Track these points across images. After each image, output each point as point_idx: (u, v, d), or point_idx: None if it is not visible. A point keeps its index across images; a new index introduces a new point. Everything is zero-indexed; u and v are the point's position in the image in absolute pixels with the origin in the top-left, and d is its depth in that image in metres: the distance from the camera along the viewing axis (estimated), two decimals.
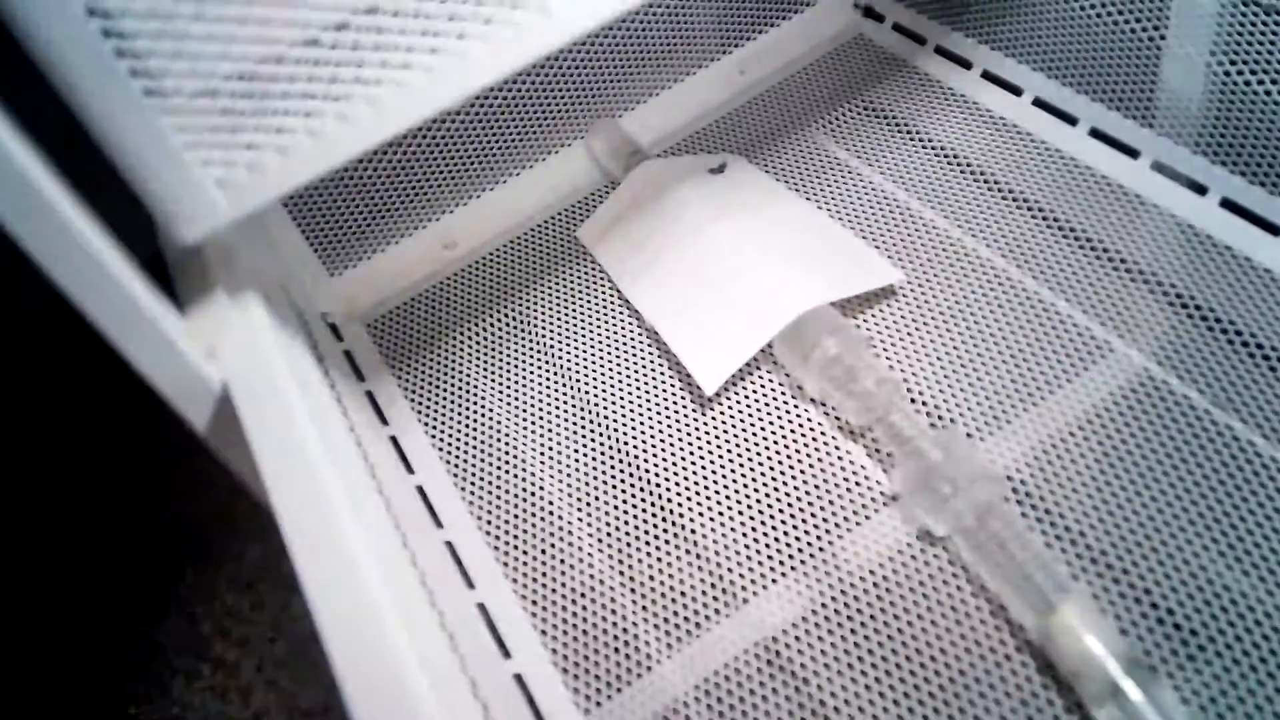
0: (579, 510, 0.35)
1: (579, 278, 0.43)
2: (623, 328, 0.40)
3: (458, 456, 0.38)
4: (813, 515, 0.33)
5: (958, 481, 0.30)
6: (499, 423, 0.39)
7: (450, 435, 0.39)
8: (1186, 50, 0.36)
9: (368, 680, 0.20)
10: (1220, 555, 0.29)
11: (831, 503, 0.33)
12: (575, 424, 0.38)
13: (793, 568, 0.32)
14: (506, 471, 0.37)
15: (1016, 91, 0.44)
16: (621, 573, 0.33)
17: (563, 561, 0.34)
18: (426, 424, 0.39)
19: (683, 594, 0.32)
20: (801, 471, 0.34)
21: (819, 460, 0.34)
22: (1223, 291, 0.35)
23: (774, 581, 0.31)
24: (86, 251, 0.24)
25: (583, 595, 0.33)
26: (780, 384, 0.37)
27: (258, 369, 0.28)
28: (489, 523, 0.35)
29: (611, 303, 0.41)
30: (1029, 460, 0.32)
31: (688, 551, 0.33)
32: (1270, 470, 0.30)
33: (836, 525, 0.32)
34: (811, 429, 0.35)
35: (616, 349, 0.40)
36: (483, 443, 0.38)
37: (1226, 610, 0.28)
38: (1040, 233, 0.39)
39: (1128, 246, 0.37)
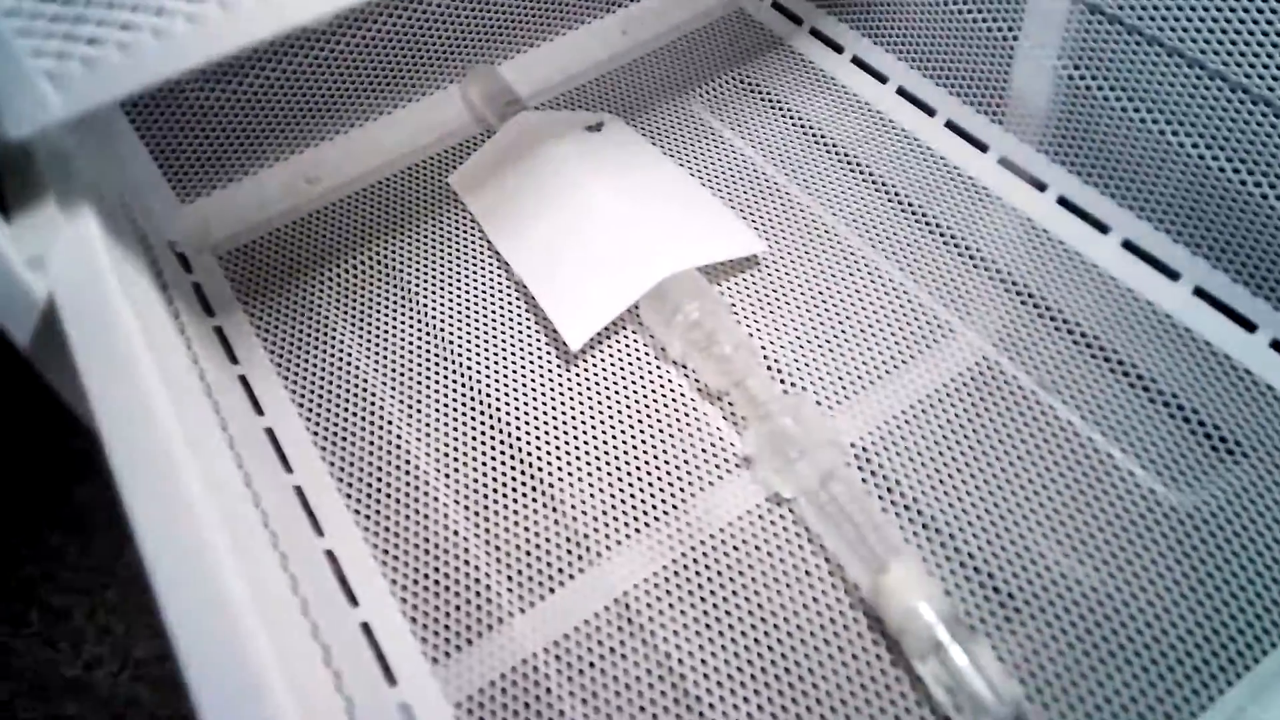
0: (437, 461, 0.35)
1: (448, 224, 0.42)
2: (491, 279, 0.40)
3: (311, 400, 0.37)
4: (669, 475, 0.34)
5: (804, 446, 0.32)
6: (357, 367, 0.37)
7: (304, 378, 0.37)
8: (1036, 52, 0.38)
9: (200, 624, 0.19)
10: (1038, 526, 0.31)
11: (687, 463, 0.34)
12: (437, 373, 0.37)
13: (647, 524, 0.32)
14: (363, 418, 0.36)
15: (882, 79, 0.45)
16: (478, 525, 0.33)
17: (418, 512, 0.33)
18: (279, 365, 0.38)
19: (539, 549, 0.32)
20: (660, 431, 0.35)
21: (677, 421, 0.35)
22: (1054, 282, 0.37)
23: (628, 538, 0.32)
24: None
25: (436, 546, 0.32)
26: (645, 345, 0.37)
27: (89, 285, 0.26)
28: (342, 470, 0.35)
29: (481, 253, 0.41)
30: (872, 430, 0.34)
31: (546, 507, 0.33)
32: (1087, 449, 0.33)
33: (691, 485, 0.33)
34: (672, 390, 0.36)
35: (483, 300, 0.39)
36: (339, 387, 0.37)
37: (1042, 577, 0.30)
38: (896, 216, 0.40)
39: (973, 235, 0.39)
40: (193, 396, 0.28)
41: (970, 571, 0.31)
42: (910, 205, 0.41)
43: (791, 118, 0.45)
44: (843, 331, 0.37)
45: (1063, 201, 0.39)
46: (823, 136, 0.44)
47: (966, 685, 0.26)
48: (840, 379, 0.36)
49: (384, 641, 0.30)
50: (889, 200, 0.41)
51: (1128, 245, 0.38)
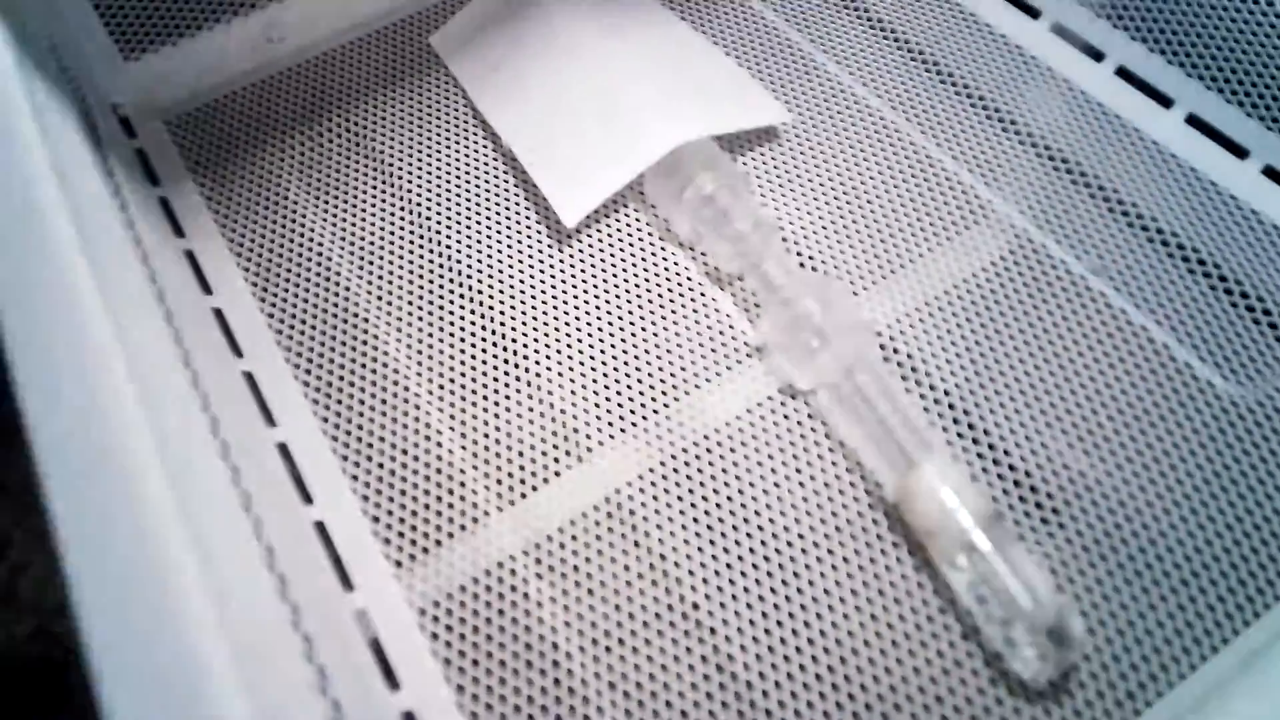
0: (409, 347, 0.31)
1: (428, 91, 0.38)
2: (476, 150, 0.36)
3: (269, 280, 0.33)
4: (670, 365, 0.30)
5: (826, 333, 0.28)
6: (321, 245, 0.34)
7: (261, 256, 0.33)
8: None
9: (94, 517, 0.16)
10: (1083, 423, 0.28)
11: (691, 352, 0.30)
12: (413, 253, 0.33)
13: (645, 418, 0.29)
14: (327, 300, 0.32)
15: None
16: (454, 418, 0.29)
17: (387, 404, 0.30)
18: (232, 241, 0.34)
19: (522, 444, 0.29)
20: (663, 319, 0.31)
21: (682, 308, 0.31)
22: (1110, 160, 0.33)
23: (623, 431, 0.29)
24: None
25: (406, 441, 0.29)
26: (648, 224, 0.33)
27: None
28: (300, 355, 0.31)
29: (465, 122, 0.37)
30: (902, 318, 0.30)
31: (532, 399, 0.30)
32: (1140, 339, 0.29)
33: (695, 376, 0.30)
34: (678, 274, 0.32)
35: (467, 174, 0.35)
36: (300, 267, 0.33)
37: (1085, 477, 0.27)
38: (934, 88, 0.36)
39: (1019, 108, 0.35)
40: (124, 266, 0.25)
41: (1005, 470, 0.27)
42: (949, 75, 0.36)
43: None
44: (872, 211, 0.33)
45: (1122, 72, 0.35)
46: (850, 1, 0.40)
47: (1003, 589, 0.23)
48: (868, 262, 0.32)
49: (341, 543, 0.27)
50: (927, 70, 0.37)
51: (1192, 120, 0.34)
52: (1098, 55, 0.36)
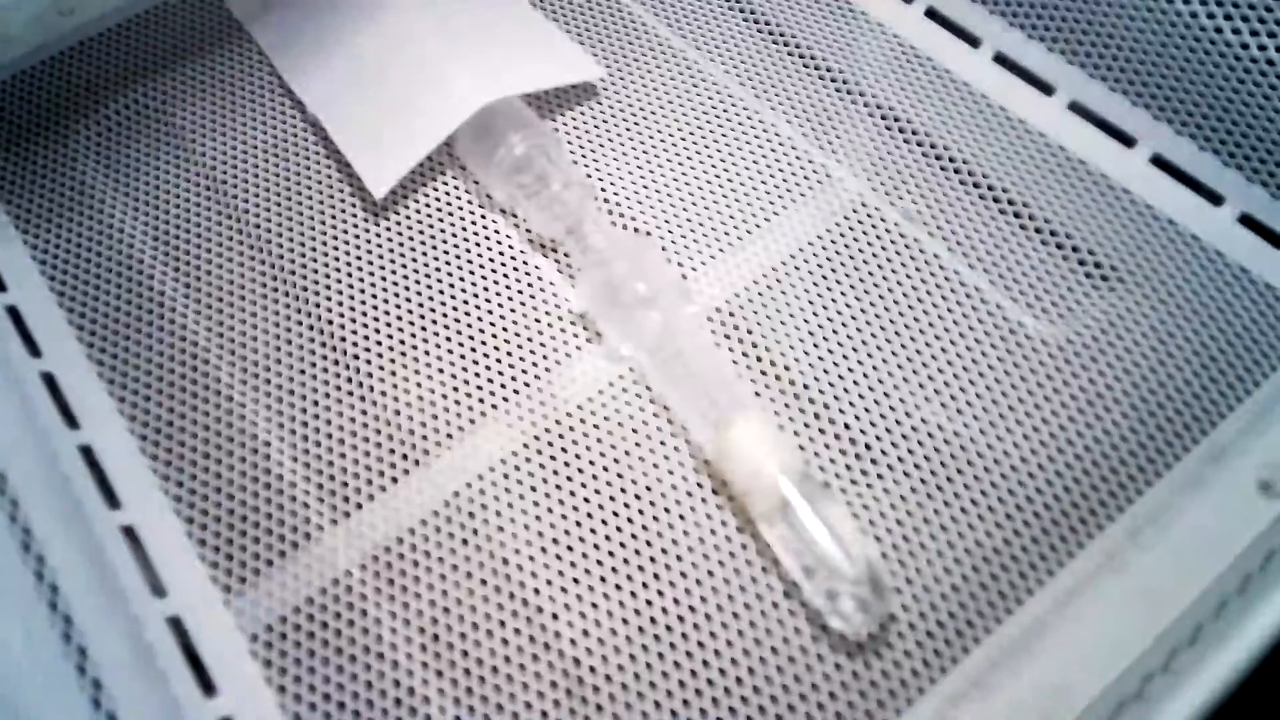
0: (221, 339, 0.29)
1: (230, 60, 0.35)
2: (282, 122, 0.34)
3: (66, 272, 0.31)
4: (499, 349, 0.29)
5: (643, 294, 0.28)
6: (122, 232, 0.32)
7: (57, 247, 0.31)
8: None
9: None
10: (898, 371, 0.28)
11: (520, 334, 0.29)
12: (220, 237, 0.31)
13: (482, 414, 0.28)
14: (131, 292, 0.30)
15: None
16: (279, 423, 0.28)
17: (203, 409, 0.28)
18: (26, 233, 0.31)
19: (355, 450, 0.27)
20: (486, 293, 0.30)
21: (504, 278, 0.30)
22: (926, 105, 0.33)
23: (460, 430, 0.28)
24: None
25: (229, 450, 0.28)
26: (467, 192, 0.32)
27: None
28: (103, 351, 0.29)
29: (271, 91, 0.35)
30: (739, 293, 0.30)
31: (361, 399, 0.28)
32: (953, 283, 0.29)
33: (524, 360, 0.29)
34: (498, 242, 0.31)
35: (274, 148, 0.33)
36: (100, 256, 0.31)
37: (901, 425, 0.27)
38: (763, 45, 0.36)
39: (845, 61, 0.35)
40: None
41: (826, 424, 0.27)
42: (779, 33, 0.36)
43: None
44: (703, 175, 0.32)
45: (931, 14, 0.35)
46: None
47: (813, 546, 0.23)
48: (703, 236, 0.31)
49: (160, 562, 0.26)
50: (746, 20, 0.36)
51: (1000, 59, 0.34)
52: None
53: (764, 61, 0.35)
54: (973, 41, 0.34)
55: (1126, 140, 0.32)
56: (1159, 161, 0.31)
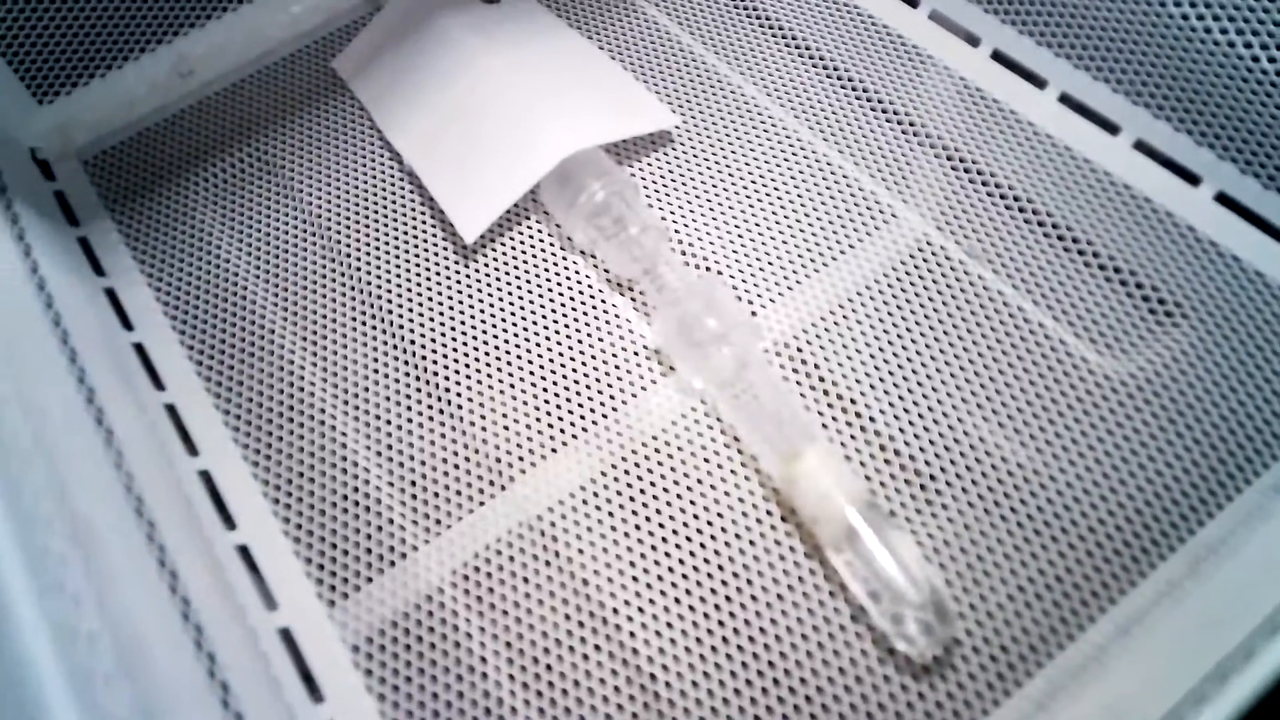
0: (325, 372, 0.32)
1: (334, 114, 0.38)
2: (381, 172, 0.37)
3: (187, 313, 0.34)
4: (580, 381, 0.31)
5: (715, 332, 0.29)
6: (237, 275, 0.34)
7: (178, 289, 0.34)
8: None
9: None
10: (962, 404, 0.29)
11: (599, 368, 0.31)
12: (325, 278, 0.34)
13: (563, 442, 0.30)
14: (245, 330, 0.33)
15: None
16: (376, 448, 0.30)
17: (305, 431, 0.31)
18: (150, 275, 0.35)
19: (446, 475, 0.30)
20: (568, 330, 0.32)
21: (584, 315, 0.32)
22: (990, 146, 0.34)
23: (543, 459, 0.30)
24: None
25: (329, 472, 0.30)
26: (550, 235, 0.34)
27: None
28: (218, 384, 0.32)
29: (370, 142, 0.37)
30: (806, 329, 0.31)
31: (450, 426, 0.30)
32: (1017, 320, 0.30)
33: (606, 392, 0.31)
34: (579, 282, 0.33)
35: (374, 196, 0.36)
36: (217, 298, 0.34)
37: (965, 458, 0.28)
38: (830, 89, 0.37)
39: (910, 103, 0.36)
40: (25, 310, 0.26)
41: (891, 455, 0.28)
42: (846, 75, 0.37)
43: None
44: (772, 216, 0.34)
45: (997, 56, 0.36)
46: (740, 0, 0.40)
47: (879, 572, 0.25)
48: (772, 274, 0.33)
49: (270, 575, 0.28)
50: (818, 69, 0.38)
51: (1065, 99, 0.35)
52: (974, 40, 0.37)
53: (831, 105, 0.36)
54: (1039, 83, 0.35)
55: (1191, 178, 0.32)
56: (1223, 199, 0.32)
